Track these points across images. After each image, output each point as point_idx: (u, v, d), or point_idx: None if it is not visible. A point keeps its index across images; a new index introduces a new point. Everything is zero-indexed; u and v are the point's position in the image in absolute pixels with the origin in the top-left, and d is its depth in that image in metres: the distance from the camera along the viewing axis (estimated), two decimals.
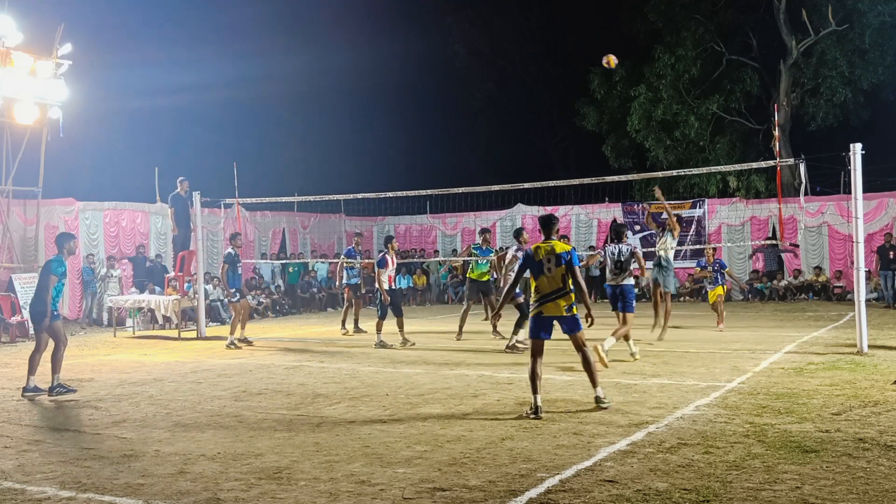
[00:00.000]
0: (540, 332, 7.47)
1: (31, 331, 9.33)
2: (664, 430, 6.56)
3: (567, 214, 24.45)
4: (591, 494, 4.96)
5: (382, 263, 13.11)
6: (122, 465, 5.97)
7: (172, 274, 17.55)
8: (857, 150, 11.14)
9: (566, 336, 7.63)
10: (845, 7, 24.00)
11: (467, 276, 14.41)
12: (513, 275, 8.68)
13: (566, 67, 34.55)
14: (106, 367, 11.52)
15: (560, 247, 7.49)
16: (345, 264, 15.86)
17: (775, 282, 21.76)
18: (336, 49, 32.27)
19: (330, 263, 23.75)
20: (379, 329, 13.10)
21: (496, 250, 15.57)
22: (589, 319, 7.60)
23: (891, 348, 11.37)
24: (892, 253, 18.38)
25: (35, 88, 16.77)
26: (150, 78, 26.59)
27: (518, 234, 12.74)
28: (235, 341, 13.57)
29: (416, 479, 5.38)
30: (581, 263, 11.70)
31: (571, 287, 7.45)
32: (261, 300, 20.82)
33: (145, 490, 5.31)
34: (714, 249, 15.60)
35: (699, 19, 26.19)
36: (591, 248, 23.29)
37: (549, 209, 24.78)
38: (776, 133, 17.73)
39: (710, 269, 15.15)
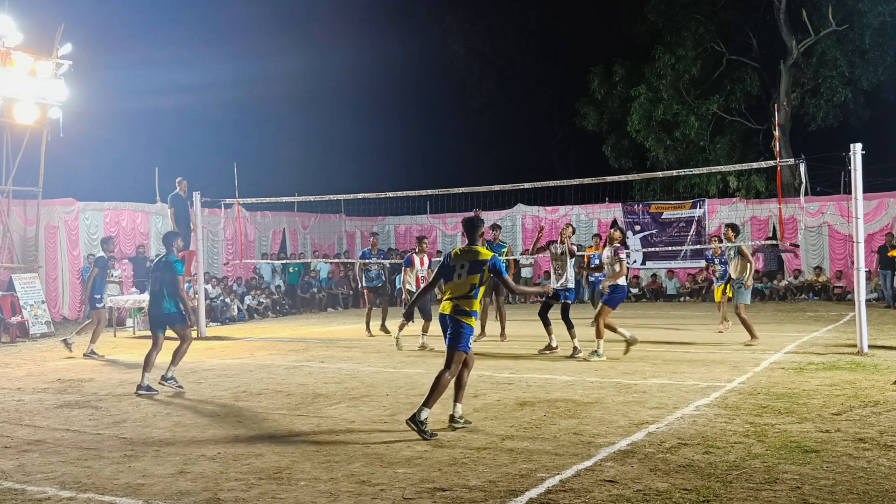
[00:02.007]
0: (446, 335, 6.88)
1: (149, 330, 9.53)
2: (664, 430, 6.56)
3: (567, 214, 24.45)
4: (592, 494, 4.96)
5: (409, 263, 12.84)
6: (122, 465, 5.97)
7: None
8: (857, 150, 11.14)
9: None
10: (845, 7, 24.01)
11: None
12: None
13: (566, 67, 34.57)
14: (106, 367, 11.52)
15: (483, 254, 6.85)
16: (362, 266, 15.73)
17: (775, 282, 21.76)
18: (336, 49, 32.30)
19: (331, 263, 23.77)
20: (401, 328, 12.77)
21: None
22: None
23: (891, 348, 11.37)
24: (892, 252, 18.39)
25: (35, 88, 16.78)
26: (150, 78, 26.62)
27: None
28: (94, 351, 12.68)
29: (417, 479, 5.38)
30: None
31: (474, 294, 6.80)
32: (261, 300, 20.82)
33: (145, 490, 5.31)
34: (720, 240, 15.11)
35: (699, 19, 26.21)
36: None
37: (549, 209, 24.82)
38: (776, 133, 17.75)
39: (716, 261, 14.36)
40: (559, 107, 36.60)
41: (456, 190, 15.48)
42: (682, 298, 22.45)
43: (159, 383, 9.20)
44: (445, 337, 6.87)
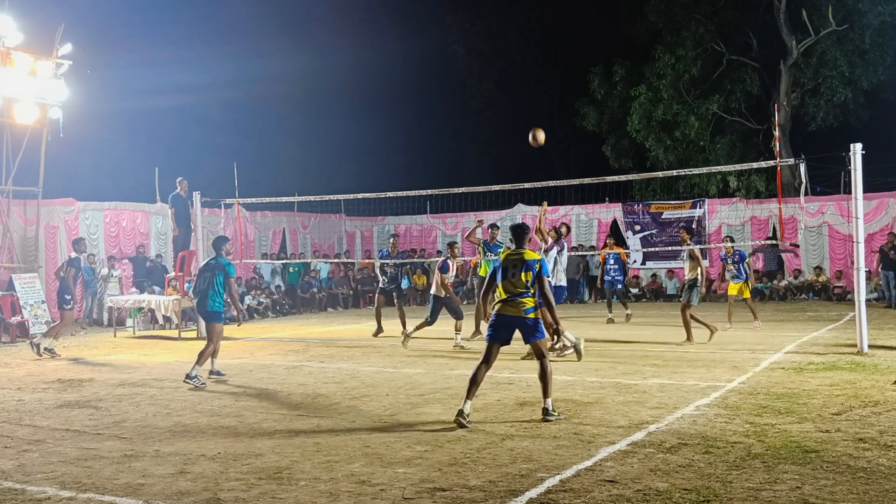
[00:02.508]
0: (498, 334, 7.30)
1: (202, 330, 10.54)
2: (664, 430, 6.56)
3: (567, 214, 24.44)
4: (592, 494, 4.96)
5: (445, 268, 12.93)
6: (122, 465, 5.97)
7: (172, 274, 17.56)
8: (857, 150, 11.14)
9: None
10: (845, 7, 24.00)
11: (479, 273, 14.32)
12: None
13: (566, 67, 34.55)
14: (106, 367, 11.52)
15: (529, 255, 7.41)
16: (380, 268, 15.57)
17: (775, 282, 21.76)
18: (336, 49, 32.29)
19: (331, 263, 23.77)
20: (419, 328, 12.83)
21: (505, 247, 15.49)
22: (552, 331, 7.53)
23: (891, 348, 11.38)
24: (892, 252, 18.39)
25: (35, 88, 16.77)
26: (150, 78, 26.60)
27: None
28: (53, 349, 12.81)
29: (417, 479, 5.38)
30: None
31: (530, 291, 7.28)
32: (261, 300, 20.82)
33: (145, 490, 5.31)
34: (732, 239, 15.67)
35: (699, 19, 26.20)
36: (592, 247, 23.30)
37: (549, 209, 24.79)
38: (776, 133, 17.74)
39: (729, 261, 14.91)
40: (559, 107, 36.57)
41: (456, 190, 15.48)
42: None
43: (184, 381, 9.44)
44: (500, 335, 7.31)
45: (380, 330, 14.94)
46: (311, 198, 18.67)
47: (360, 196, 17.34)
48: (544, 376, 7.25)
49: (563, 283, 11.47)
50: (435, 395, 8.52)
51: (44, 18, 17.48)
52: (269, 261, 23.25)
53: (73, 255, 13.41)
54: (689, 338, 12.46)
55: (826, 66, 24.91)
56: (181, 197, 16.75)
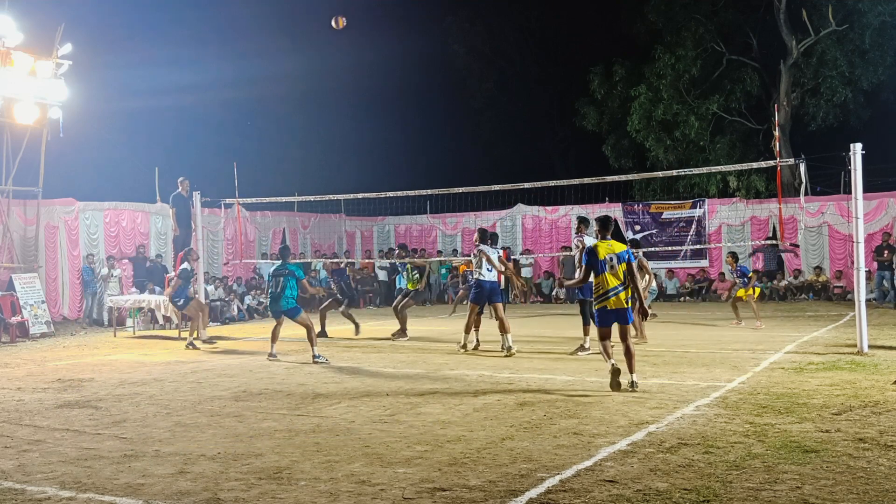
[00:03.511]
0: (606, 321, 8.39)
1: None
2: (664, 430, 6.56)
3: (567, 214, 24.46)
4: (592, 494, 4.96)
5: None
6: (122, 465, 5.96)
7: (173, 274, 17.54)
8: (857, 150, 11.14)
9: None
10: (845, 7, 24.01)
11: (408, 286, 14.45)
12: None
13: (566, 67, 34.56)
14: (106, 367, 11.52)
15: (619, 246, 8.31)
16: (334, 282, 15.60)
17: (775, 282, 21.76)
18: (336, 49, 32.25)
19: (331, 263, 23.75)
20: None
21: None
22: (643, 314, 8.94)
23: (891, 348, 11.38)
24: (886, 252, 18.41)
25: (35, 88, 16.77)
26: (150, 78, 26.60)
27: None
28: (193, 342, 13.86)
29: (417, 479, 5.38)
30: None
31: (627, 281, 8.30)
32: (261, 300, 20.80)
33: (145, 490, 5.30)
34: (733, 255, 15.86)
35: (699, 19, 26.21)
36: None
37: (549, 209, 24.83)
38: (776, 133, 17.73)
39: (735, 275, 15.41)
40: (559, 107, 36.58)
41: (456, 190, 15.50)
42: (682, 298, 22.44)
43: (313, 362, 11.14)
44: (608, 322, 8.39)
45: (322, 332, 14.70)
46: (311, 198, 18.68)
47: (360, 196, 17.37)
48: (629, 355, 8.32)
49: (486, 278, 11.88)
50: (435, 394, 8.52)
51: (44, 18, 17.47)
52: (269, 261, 23.20)
53: (185, 266, 14.33)
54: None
55: (826, 66, 24.92)
56: (182, 197, 16.75)
